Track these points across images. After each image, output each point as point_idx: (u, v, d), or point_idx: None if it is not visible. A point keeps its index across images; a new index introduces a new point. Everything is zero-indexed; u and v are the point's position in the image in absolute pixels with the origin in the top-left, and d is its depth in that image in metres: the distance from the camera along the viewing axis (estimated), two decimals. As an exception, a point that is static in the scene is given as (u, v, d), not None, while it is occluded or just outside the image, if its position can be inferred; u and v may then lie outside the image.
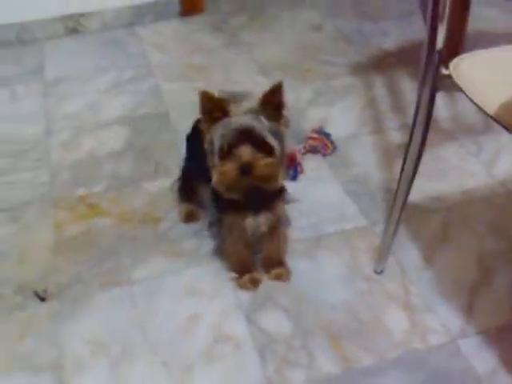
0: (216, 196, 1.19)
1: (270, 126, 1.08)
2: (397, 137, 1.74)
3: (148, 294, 1.30)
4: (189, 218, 1.48)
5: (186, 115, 1.58)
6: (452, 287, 1.27)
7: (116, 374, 1.14)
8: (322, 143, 1.68)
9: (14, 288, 1.34)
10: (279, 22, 2.48)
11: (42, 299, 1.31)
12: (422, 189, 1.51)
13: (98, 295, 1.31)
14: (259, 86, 1.98)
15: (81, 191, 1.62)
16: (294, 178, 1.60)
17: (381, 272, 1.31)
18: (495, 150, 1.65)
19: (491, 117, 0.90)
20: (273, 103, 1.09)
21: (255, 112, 1.08)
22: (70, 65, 2.27)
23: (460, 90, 0.96)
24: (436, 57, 0.98)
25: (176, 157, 1.66)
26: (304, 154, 1.67)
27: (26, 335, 1.23)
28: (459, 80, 0.97)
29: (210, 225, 1.36)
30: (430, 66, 0.99)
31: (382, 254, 1.31)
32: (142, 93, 2.06)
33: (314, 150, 1.68)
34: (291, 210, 1.32)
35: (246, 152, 1.06)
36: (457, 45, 1.86)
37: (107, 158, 1.75)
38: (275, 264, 1.32)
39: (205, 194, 1.36)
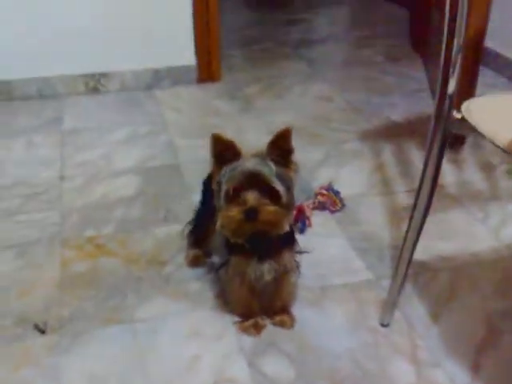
0: (226, 238, 1.19)
1: (278, 171, 1.09)
2: (404, 199, 1.77)
3: (150, 333, 1.28)
4: (195, 262, 1.49)
5: (198, 169, 1.64)
6: (459, 344, 1.24)
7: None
8: (331, 200, 1.71)
9: (14, 320, 1.33)
10: (291, 93, 2.59)
11: (42, 332, 1.29)
12: (430, 248, 1.53)
13: (99, 331, 1.29)
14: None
15: (89, 233, 1.64)
16: (302, 231, 1.62)
17: (387, 325, 1.29)
18: (502, 218, 1.67)
19: (504, 151, 0.93)
20: (281, 148, 1.10)
21: (264, 156, 1.09)
22: (88, 119, 2.36)
23: (473, 130, 0.99)
24: (448, 101, 1.02)
25: (185, 206, 1.69)
26: (312, 209, 1.69)
27: (23, 367, 1.20)
28: (471, 119, 1.01)
29: (217, 268, 1.35)
30: (442, 109, 1.03)
31: (388, 307, 1.30)
32: (155, 146, 2.13)
33: (322, 207, 1.71)
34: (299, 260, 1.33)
35: (251, 197, 1.06)
36: (468, 91, 1.91)
37: (118, 204, 1.77)
38: (279, 311, 1.31)
39: (216, 237, 1.36)
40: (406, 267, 1.25)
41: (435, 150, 1.09)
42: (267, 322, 1.30)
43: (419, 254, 1.47)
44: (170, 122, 2.33)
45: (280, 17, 3.73)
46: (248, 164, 1.08)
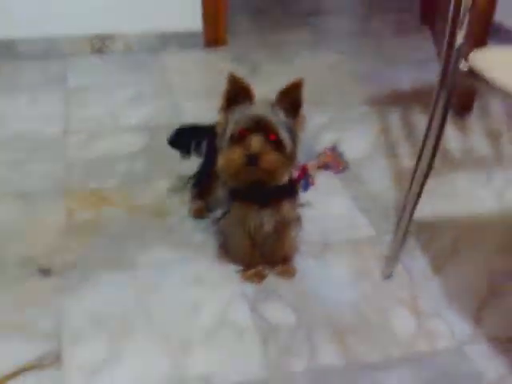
0: (228, 187, 1.19)
1: (286, 120, 1.08)
2: (409, 162, 1.76)
3: (153, 280, 1.29)
4: (198, 213, 1.49)
5: None
6: (460, 296, 1.25)
7: (114, 346, 1.12)
8: (335, 160, 1.71)
9: (17, 262, 1.33)
10: (298, 59, 2.57)
11: (45, 273, 1.29)
12: (433, 208, 1.53)
13: (102, 276, 1.30)
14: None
15: (93, 185, 1.64)
16: (305, 188, 1.61)
17: (388, 277, 1.30)
18: (505, 182, 1.67)
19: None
20: (291, 99, 1.09)
21: (274, 104, 1.09)
22: (93, 78, 2.35)
23: (482, 79, 0.99)
24: (455, 52, 1.01)
25: (189, 163, 1.68)
26: (316, 168, 1.69)
27: (25, 306, 1.21)
28: (479, 69, 1.00)
29: (219, 217, 1.34)
30: (449, 61, 1.02)
31: (390, 260, 1.31)
32: (160, 107, 2.12)
33: (325, 166, 1.71)
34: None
35: (256, 142, 1.05)
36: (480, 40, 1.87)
37: (122, 159, 1.77)
38: (281, 261, 1.31)
39: (219, 189, 1.36)
40: (407, 221, 1.25)
41: (440, 105, 1.09)
42: (269, 271, 1.30)
43: (422, 213, 1.47)
44: (175, 84, 2.31)
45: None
46: (257, 109, 1.07)
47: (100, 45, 2.57)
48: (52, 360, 1.08)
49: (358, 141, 1.89)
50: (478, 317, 1.20)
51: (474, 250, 1.40)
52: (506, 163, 1.76)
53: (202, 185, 1.46)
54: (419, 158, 1.18)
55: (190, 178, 1.50)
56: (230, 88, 1.10)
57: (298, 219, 1.26)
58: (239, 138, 1.06)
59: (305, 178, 1.63)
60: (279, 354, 1.11)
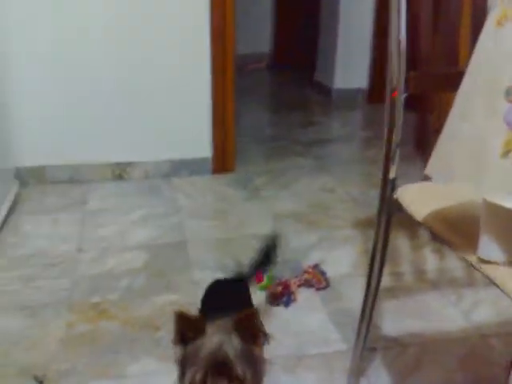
0: None
1: (243, 349, 1.01)
2: (386, 281, 1.90)
3: (136, 389, 1.42)
4: None
5: (202, 246, 1.86)
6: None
7: None
8: (317, 278, 1.87)
9: (17, 370, 1.49)
10: (297, 184, 2.82)
11: (40, 383, 1.44)
12: (402, 325, 1.65)
13: (92, 384, 1.44)
14: (268, 229, 2.27)
15: (95, 299, 1.82)
16: (287, 304, 1.76)
17: (352, 393, 1.40)
18: (474, 301, 1.79)
19: (421, 224, 1.10)
20: (247, 328, 1.03)
21: (229, 331, 1.02)
22: (111, 201, 2.62)
23: (403, 208, 1.18)
24: (390, 186, 1.22)
25: (186, 277, 1.88)
26: (299, 285, 1.84)
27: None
28: (402, 201, 1.19)
29: None
30: (386, 190, 1.22)
31: (353, 374, 1.42)
32: (166, 226, 2.35)
33: (308, 283, 1.86)
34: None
35: None
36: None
37: (125, 274, 1.97)
38: None
39: None
40: (364, 336, 1.39)
41: (382, 229, 1.27)
42: None
43: (391, 329, 1.61)
44: (182, 205, 2.56)
45: (297, 119, 4.05)
46: (212, 345, 1.00)
47: (119, 171, 2.88)
48: None
49: (340, 260, 2.05)
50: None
51: (436, 366, 1.49)
52: (475, 284, 1.88)
53: None
54: (369, 277, 1.34)
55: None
56: (179, 326, 1.04)
57: None
58: (200, 382, 0.99)
59: (287, 294, 1.78)
60: None
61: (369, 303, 1.37)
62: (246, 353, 1.01)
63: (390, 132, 1.20)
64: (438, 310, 1.75)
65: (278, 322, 1.68)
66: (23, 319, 1.71)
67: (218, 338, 1.01)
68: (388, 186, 1.23)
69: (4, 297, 1.83)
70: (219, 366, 0.99)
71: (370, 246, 2.15)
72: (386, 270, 1.97)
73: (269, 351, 1.50)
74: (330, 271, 1.92)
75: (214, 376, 0.98)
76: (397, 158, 1.21)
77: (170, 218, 2.43)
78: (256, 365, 1.03)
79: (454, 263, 2.00)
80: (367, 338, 1.40)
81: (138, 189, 2.77)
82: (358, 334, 1.40)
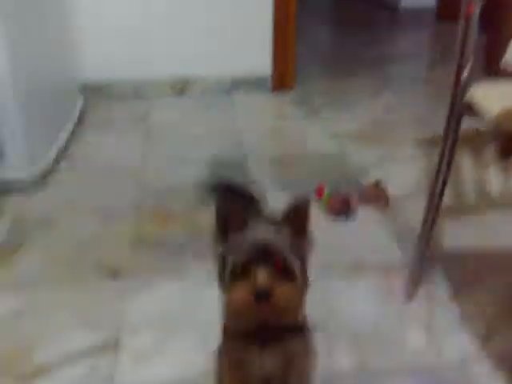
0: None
1: (293, 243, 0.92)
2: (448, 199, 1.88)
3: (202, 288, 1.49)
4: None
5: (261, 163, 1.97)
6: (474, 320, 1.36)
7: (163, 341, 1.32)
8: (377, 194, 1.87)
9: (91, 267, 1.59)
10: (359, 104, 2.77)
11: (114, 277, 1.55)
12: (462, 241, 1.66)
13: (161, 283, 1.53)
14: (330, 148, 2.27)
15: (162, 207, 1.90)
16: (347, 218, 1.78)
17: (410, 299, 1.43)
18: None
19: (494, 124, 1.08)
20: (297, 219, 0.93)
21: (277, 223, 0.93)
22: (172, 116, 2.67)
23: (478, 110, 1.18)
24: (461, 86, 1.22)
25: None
26: (359, 202, 1.85)
27: (93, 304, 1.45)
28: (474, 97, 1.20)
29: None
30: (457, 91, 1.24)
31: (412, 283, 1.44)
32: (226, 143, 2.38)
33: (368, 200, 1.87)
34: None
35: (263, 274, 0.87)
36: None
37: (188, 186, 2.02)
38: None
39: None
40: (423, 247, 1.41)
41: (451, 134, 1.26)
42: None
43: (452, 245, 1.62)
44: (242, 122, 2.58)
45: (361, 37, 3.91)
46: (258, 233, 0.91)
47: (181, 87, 2.90)
48: (111, 346, 1.31)
49: (402, 179, 2.03)
50: (486, 339, 1.30)
51: (496, 280, 1.50)
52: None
53: None
54: (433, 187, 1.33)
55: None
56: (220, 216, 0.95)
57: (310, 354, 1.04)
58: (242, 272, 0.89)
59: (346, 209, 1.80)
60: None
61: (431, 214, 1.37)
62: (294, 245, 0.91)
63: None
64: (499, 229, 1.73)
65: (336, 234, 1.71)
66: (96, 223, 1.81)
67: (263, 228, 0.92)
68: (459, 86, 1.20)
69: (77, 203, 1.94)
70: (264, 254, 0.88)
71: (434, 165, 2.15)
72: (449, 188, 1.97)
73: (325, 260, 1.56)
74: (392, 189, 1.91)
75: (258, 264, 0.88)
76: (470, 59, 1.17)
77: (230, 135, 2.45)
78: (304, 261, 0.93)
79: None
80: (427, 250, 1.41)
81: (198, 105, 2.80)
82: (418, 245, 1.42)
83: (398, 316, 1.39)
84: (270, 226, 0.93)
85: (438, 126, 2.41)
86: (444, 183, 1.33)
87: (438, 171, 1.35)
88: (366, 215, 1.82)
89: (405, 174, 2.08)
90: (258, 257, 0.88)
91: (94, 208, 1.90)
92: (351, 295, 1.46)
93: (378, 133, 2.42)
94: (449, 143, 1.28)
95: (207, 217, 1.79)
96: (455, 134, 1.26)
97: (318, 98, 2.83)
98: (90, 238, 1.74)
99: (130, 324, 1.38)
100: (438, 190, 1.35)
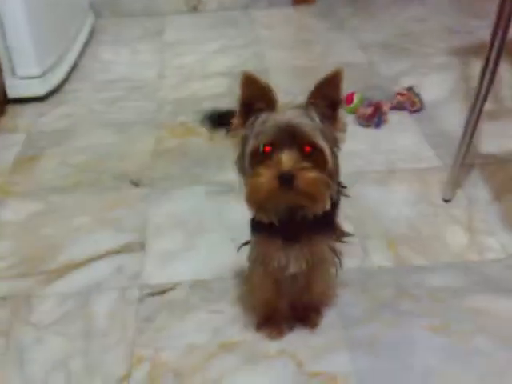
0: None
1: (323, 126, 0.83)
2: (487, 107, 1.77)
3: (226, 193, 1.43)
4: None
5: (285, 73, 1.85)
6: (517, 220, 1.28)
7: (188, 241, 1.27)
8: (410, 100, 1.75)
9: (111, 176, 1.53)
10: (385, 14, 2.60)
11: (136, 185, 1.48)
12: (504, 145, 1.55)
13: (184, 189, 1.46)
14: (357, 58, 2.13)
15: (181, 118, 1.81)
16: (378, 125, 1.68)
17: (448, 201, 1.35)
18: None
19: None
20: (328, 97, 0.83)
21: (306, 106, 0.84)
22: (187, 33, 2.54)
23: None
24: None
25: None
26: (391, 108, 1.74)
27: (117, 207, 1.40)
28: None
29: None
30: None
31: (451, 184, 1.36)
32: (246, 56, 2.25)
33: (400, 106, 1.76)
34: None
35: (288, 157, 0.80)
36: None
37: (208, 98, 1.93)
38: (308, 310, 1.05)
39: None
40: (465, 150, 1.33)
41: (498, 38, 1.14)
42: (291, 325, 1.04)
43: (491, 148, 1.52)
44: (262, 36, 2.44)
45: None
46: (285, 115, 0.82)
47: (195, 3, 2.75)
48: (137, 246, 1.26)
49: (436, 86, 1.91)
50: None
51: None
52: None
53: None
54: (478, 88, 1.24)
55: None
56: (245, 91, 0.85)
57: (336, 257, 1.00)
58: (265, 155, 0.81)
59: (378, 116, 1.69)
60: (334, 255, 1.21)
61: (473, 116, 1.28)
62: (325, 129, 0.83)
63: None
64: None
65: (368, 141, 1.62)
66: (113, 135, 1.74)
67: (293, 110, 0.83)
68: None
69: (92, 115, 1.86)
70: (292, 134, 0.80)
71: (469, 72, 2.02)
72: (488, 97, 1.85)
73: (359, 167, 1.48)
74: (425, 96, 1.79)
75: (282, 146, 0.80)
76: None
77: (251, 48, 2.33)
78: (335, 148, 0.85)
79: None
80: (467, 153, 1.32)
81: (214, 21, 2.65)
82: (459, 147, 1.33)
83: (437, 217, 1.31)
84: (297, 109, 0.83)
85: (469, 36, 2.30)
86: (488, 88, 1.23)
87: (483, 74, 1.24)
88: (399, 121, 1.72)
89: (438, 81, 1.95)
90: (284, 139, 0.81)
91: (110, 120, 1.82)
92: (387, 199, 1.39)
93: (407, 42, 2.27)
94: (496, 47, 1.16)
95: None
96: (503, 39, 1.13)
97: (342, 10, 2.66)
98: (108, 148, 1.67)
99: (155, 226, 1.33)
100: (482, 94, 1.24)
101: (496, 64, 1.23)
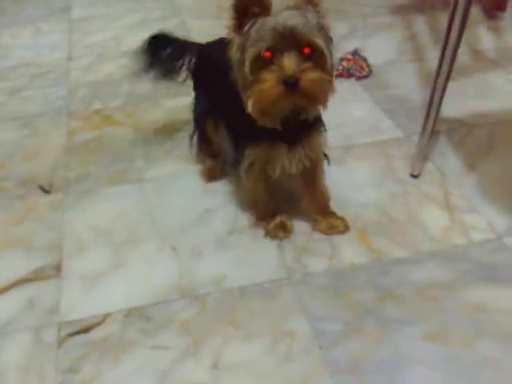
0: (242, 125, 0.92)
1: (319, 23, 0.82)
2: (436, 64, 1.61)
3: (160, 190, 1.20)
4: (211, 175, 1.21)
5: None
6: (498, 191, 1.12)
7: (117, 257, 1.03)
8: (357, 65, 1.57)
9: (17, 181, 1.26)
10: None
11: (46, 191, 1.21)
12: (467, 106, 1.40)
13: (106, 190, 1.21)
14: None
15: (96, 106, 1.55)
16: (324, 96, 1.48)
17: (417, 176, 1.18)
18: (547, 77, 1.50)
19: None
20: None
21: (300, 6, 0.83)
22: (98, 8, 2.23)
23: None
24: None
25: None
26: (337, 75, 1.54)
27: (26, 220, 1.14)
28: None
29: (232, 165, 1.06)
30: None
31: (419, 158, 1.19)
32: (167, 29, 1.98)
33: (347, 73, 1.56)
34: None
35: (290, 61, 0.80)
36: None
37: (126, 80, 1.66)
38: (325, 212, 1.06)
39: (223, 133, 1.08)
40: (434, 117, 1.16)
41: None
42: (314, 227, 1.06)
43: (455, 112, 1.35)
44: (183, 6, 2.17)
45: None
46: (280, 18, 0.81)
47: (105, -25, 2.43)
48: (52, 271, 1.00)
49: (382, 47, 1.74)
50: (518, 209, 1.07)
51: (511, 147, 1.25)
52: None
53: (206, 138, 1.16)
54: (443, 50, 1.08)
55: (189, 135, 1.20)
56: (238, 2, 0.83)
57: (325, 156, 1.03)
58: (265, 61, 0.81)
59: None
60: (297, 256, 1.01)
61: (440, 82, 1.12)
62: (320, 28, 0.83)
63: None
64: (504, 88, 1.47)
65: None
66: (17, 130, 1.45)
67: (287, 12, 0.82)
68: None
69: (-10, 108, 1.55)
70: (290, 37, 0.80)
71: (414, 31, 1.84)
72: (435, 55, 1.68)
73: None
74: (371, 59, 1.61)
75: (282, 50, 0.80)
76: None
77: (170, 20, 2.06)
78: (330, 43, 0.85)
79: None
80: (436, 121, 1.15)
81: (128, -6, 2.35)
82: (426, 115, 1.15)
83: (408, 196, 1.13)
84: (292, 10, 0.82)
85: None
86: (457, 45, 1.06)
87: (448, 34, 1.07)
88: (348, 89, 1.52)
89: (382, 43, 1.77)
90: (283, 43, 0.80)
91: (12, 114, 1.53)
92: (348, 180, 1.19)
93: (342, 3, 2.08)
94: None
95: (151, 112, 1.50)
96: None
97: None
98: (10, 147, 1.38)
99: (74, 241, 1.08)
100: (449, 54, 1.07)
101: (465, 16, 1.04)
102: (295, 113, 0.87)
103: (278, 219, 1.05)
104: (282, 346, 0.85)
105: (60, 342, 0.87)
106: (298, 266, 0.98)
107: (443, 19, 1.85)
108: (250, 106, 0.84)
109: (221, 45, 0.91)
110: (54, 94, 1.61)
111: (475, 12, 1.85)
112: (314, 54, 0.82)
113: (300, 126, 0.91)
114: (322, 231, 1.05)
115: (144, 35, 1.90)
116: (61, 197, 1.20)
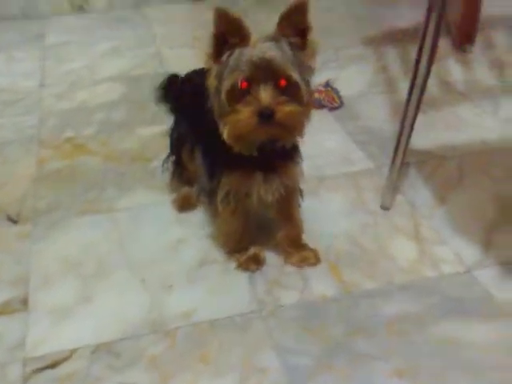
0: (218, 151, 0.92)
1: (295, 56, 0.84)
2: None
3: (132, 220, 1.19)
4: (185, 204, 1.21)
5: None
6: (467, 223, 1.14)
7: (85, 289, 1.01)
8: (329, 96, 1.59)
9: (-15, 211, 1.23)
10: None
11: (14, 221, 1.19)
12: (437, 138, 1.43)
13: (76, 220, 1.20)
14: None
15: (68, 134, 1.54)
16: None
17: (388, 208, 1.19)
18: (513, 110, 1.55)
19: None
20: (295, 24, 0.85)
21: (277, 38, 0.84)
22: (72, 35, 2.23)
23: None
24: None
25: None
26: (309, 106, 1.56)
27: (-10, 253, 1.11)
28: None
29: (206, 194, 1.06)
30: None
31: (389, 190, 1.20)
32: (141, 57, 2.00)
33: (319, 104, 1.58)
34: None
35: (265, 93, 0.81)
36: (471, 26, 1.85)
37: (100, 108, 1.67)
38: (297, 245, 1.06)
39: (199, 160, 1.07)
40: (404, 149, 1.17)
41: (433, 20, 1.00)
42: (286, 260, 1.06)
43: (425, 144, 1.38)
44: (158, 35, 2.19)
45: None
46: (258, 49, 0.82)
47: (80, 2, 2.44)
48: (18, 305, 0.98)
49: (353, 79, 1.76)
50: (487, 241, 1.09)
51: (482, 175, 1.28)
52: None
53: (181, 160, 1.17)
54: (413, 81, 1.09)
55: (164, 160, 1.22)
56: (218, 28, 0.83)
57: (300, 188, 1.04)
58: (242, 92, 0.82)
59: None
60: (268, 289, 1.00)
61: (410, 114, 1.13)
62: (296, 60, 0.84)
63: None
64: (472, 120, 1.51)
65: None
66: (-15, 159, 1.43)
67: (265, 44, 0.83)
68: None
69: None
70: (266, 69, 0.81)
71: (385, 63, 1.88)
72: (406, 86, 1.72)
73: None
74: (343, 91, 1.63)
75: (259, 81, 0.81)
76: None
77: (146, 49, 2.07)
78: (308, 76, 0.87)
79: (483, 73, 1.73)
80: (406, 153, 1.16)
81: (103, 21, 2.36)
82: (397, 147, 1.17)
83: (378, 227, 1.14)
84: (270, 41, 0.83)
85: (383, 24, 2.18)
86: (426, 76, 1.09)
87: (417, 64, 1.09)
88: (319, 121, 1.53)
89: (354, 74, 1.80)
90: (259, 75, 0.82)
91: (-19, 142, 1.50)
92: (321, 211, 1.20)
93: (318, 32, 2.11)
94: (430, 33, 1.02)
95: (125, 140, 1.50)
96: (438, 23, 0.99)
97: (243, 2, 2.47)
98: (-22, 177, 1.36)
99: (42, 274, 1.06)
100: (418, 86, 1.09)
101: (433, 49, 1.07)
102: (271, 141, 0.88)
103: (251, 251, 1.05)
104: (252, 382, 0.83)
105: (25, 379, 0.85)
106: (269, 299, 0.98)
107: (414, 51, 1.92)
108: (225, 134, 0.86)
109: (202, 73, 0.93)
110: (25, 122, 1.60)
111: (444, 44, 1.89)
112: (290, 87, 0.83)
113: (276, 154, 0.92)
114: (293, 264, 1.05)
115: (118, 63, 1.93)
116: (29, 227, 1.18)
